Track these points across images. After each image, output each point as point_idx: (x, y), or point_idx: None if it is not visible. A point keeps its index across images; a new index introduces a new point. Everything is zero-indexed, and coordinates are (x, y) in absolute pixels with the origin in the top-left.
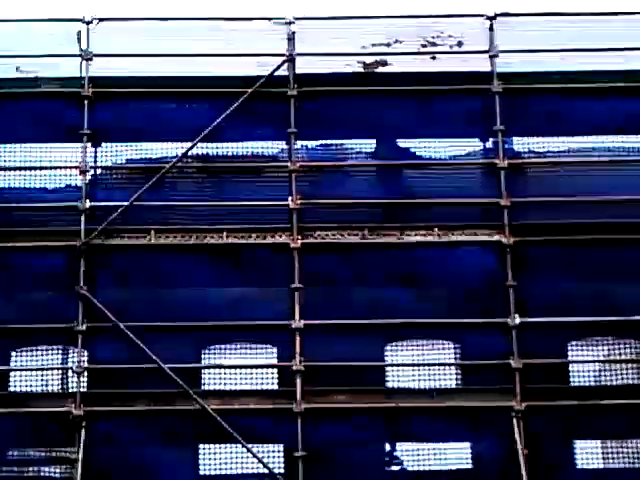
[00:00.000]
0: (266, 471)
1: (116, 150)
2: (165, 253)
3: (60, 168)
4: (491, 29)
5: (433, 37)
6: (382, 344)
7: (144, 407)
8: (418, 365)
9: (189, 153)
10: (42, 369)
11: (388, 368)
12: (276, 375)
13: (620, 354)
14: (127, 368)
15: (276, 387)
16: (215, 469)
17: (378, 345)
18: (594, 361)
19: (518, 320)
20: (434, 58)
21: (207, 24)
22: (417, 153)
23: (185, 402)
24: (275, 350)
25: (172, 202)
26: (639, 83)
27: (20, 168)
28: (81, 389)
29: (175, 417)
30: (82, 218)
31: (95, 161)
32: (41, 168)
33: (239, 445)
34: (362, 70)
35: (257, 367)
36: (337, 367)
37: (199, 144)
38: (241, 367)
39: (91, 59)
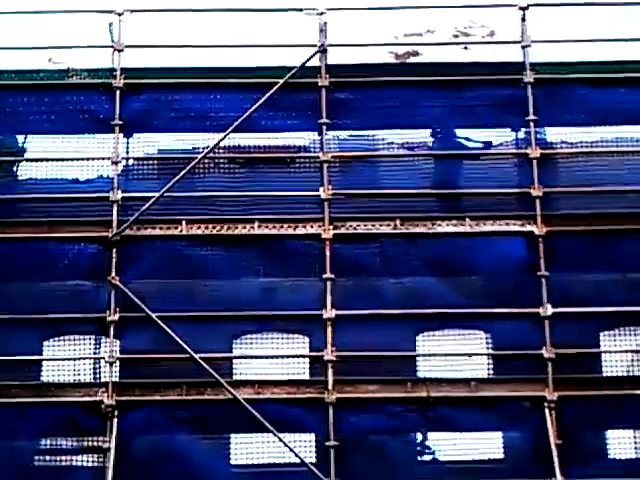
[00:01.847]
0: (298, 460)
1: (148, 141)
2: (196, 243)
3: (92, 159)
4: (523, 19)
5: (465, 27)
6: (413, 334)
7: (176, 397)
8: (450, 355)
9: (220, 144)
10: (74, 359)
11: (419, 358)
12: (308, 365)
13: None
14: (159, 358)
15: (307, 377)
16: (247, 458)
17: (409, 335)
18: (626, 351)
19: (550, 310)
20: (466, 48)
21: (239, 15)
22: (450, 143)
23: (217, 392)
24: (307, 340)
25: (203, 192)
26: None
27: (52, 159)
28: (113, 379)
29: (207, 406)
30: (114, 209)
31: (127, 152)
32: (73, 159)
33: (271, 435)
34: (394, 60)
35: (289, 357)
36: (368, 357)
37: (230, 135)
38: (272, 357)
39: (122, 50)
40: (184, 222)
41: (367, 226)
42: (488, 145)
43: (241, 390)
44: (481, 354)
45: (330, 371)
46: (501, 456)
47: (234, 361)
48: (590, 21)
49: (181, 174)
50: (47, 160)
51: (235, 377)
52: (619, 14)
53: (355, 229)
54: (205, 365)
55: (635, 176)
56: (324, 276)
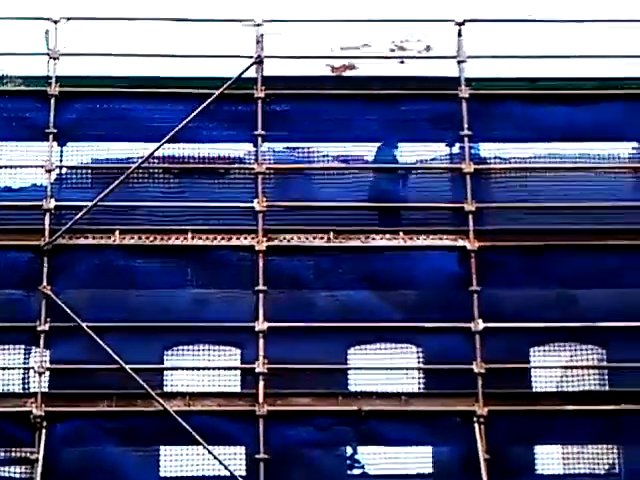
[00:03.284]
0: (227, 473)
1: (82, 150)
2: (129, 253)
3: (25, 167)
4: (459, 35)
5: (402, 41)
6: (345, 347)
7: (105, 408)
8: (381, 369)
9: (155, 154)
10: (3, 368)
11: (351, 371)
12: (239, 377)
13: (582, 360)
14: (89, 368)
15: (239, 389)
16: (176, 471)
17: (341, 348)
18: (556, 367)
19: (481, 325)
20: (402, 62)
21: (177, 25)
22: (384, 157)
23: (147, 403)
24: (238, 352)
25: (137, 202)
26: (605, 90)
27: None
28: (43, 389)
29: (137, 418)
30: (46, 217)
31: (61, 160)
32: (6, 167)
33: (201, 447)
34: (331, 73)
35: (220, 369)
36: (300, 370)
37: (166, 145)
38: (203, 369)
39: (58, 58)
40: (117, 232)
41: (301, 238)
42: (423, 159)
43: (172, 402)
44: (412, 368)
45: (261, 384)
46: (430, 470)
47: (165, 372)
48: (525, 38)
49: (115, 183)
50: None
51: (166, 389)
52: (554, 31)
53: (289, 241)
54: (135, 376)
55: (568, 192)
56: (256, 288)
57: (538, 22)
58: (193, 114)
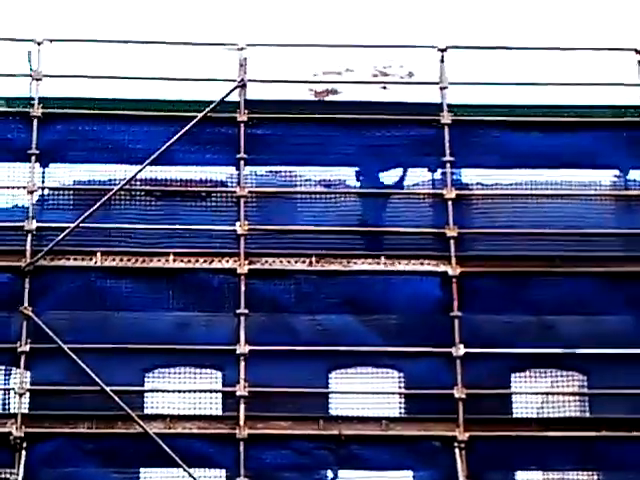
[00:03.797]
0: None
1: (64, 171)
2: (111, 275)
3: (7, 188)
4: (442, 61)
5: (384, 67)
6: (326, 371)
7: (86, 429)
8: (362, 393)
9: (138, 176)
10: None
11: (332, 395)
12: (220, 400)
13: (563, 386)
14: (69, 390)
15: (220, 412)
16: None
17: (322, 372)
18: (537, 393)
19: (462, 350)
20: (385, 88)
21: (160, 48)
22: (367, 181)
23: (128, 425)
24: (219, 375)
25: (119, 224)
26: (582, 118)
27: None
28: (23, 410)
29: (117, 440)
30: (28, 238)
31: (43, 182)
32: None
33: (181, 469)
34: (313, 98)
35: (201, 391)
36: (281, 393)
37: (148, 167)
38: (184, 391)
39: (41, 79)
40: (99, 253)
41: (282, 262)
42: (405, 185)
43: (152, 424)
44: (393, 393)
45: (242, 407)
46: None
47: (146, 394)
48: (507, 65)
49: (97, 205)
50: None
51: (147, 411)
52: (536, 58)
53: (270, 265)
54: (116, 398)
55: (549, 219)
56: (238, 311)
57: (519, 50)
58: (175, 137)
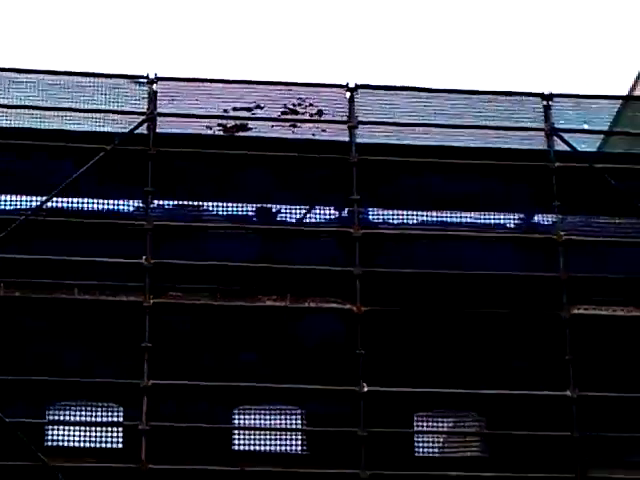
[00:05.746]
0: None
1: None
2: (14, 307)
3: None
4: (351, 100)
5: (294, 105)
6: (231, 407)
7: None
8: (265, 429)
9: (45, 206)
10: None
11: (236, 431)
12: (122, 435)
13: (465, 426)
14: None
15: (122, 446)
16: None
17: (227, 408)
18: (439, 432)
19: (366, 388)
20: (294, 125)
21: (70, 79)
22: (275, 218)
23: (29, 459)
24: (122, 409)
25: (23, 255)
26: (487, 161)
27: None
28: None
29: (19, 474)
30: None
31: None
32: None
33: None
34: (223, 133)
35: (103, 425)
36: (184, 428)
37: (55, 199)
38: (86, 425)
39: None
40: (2, 284)
41: (188, 297)
42: (312, 222)
43: (54, 458)
44: (296, 430)
45: (144, 441)
46: None
47: (47, 428)
48: (417, 106)
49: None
50: None
51: (49, 444)
52: (446, 101)
53: (176, 299)
54: (17, 431)
55: (454, 260)
56: (142, 344)
57: (430, 92)
58: (82, 169)
